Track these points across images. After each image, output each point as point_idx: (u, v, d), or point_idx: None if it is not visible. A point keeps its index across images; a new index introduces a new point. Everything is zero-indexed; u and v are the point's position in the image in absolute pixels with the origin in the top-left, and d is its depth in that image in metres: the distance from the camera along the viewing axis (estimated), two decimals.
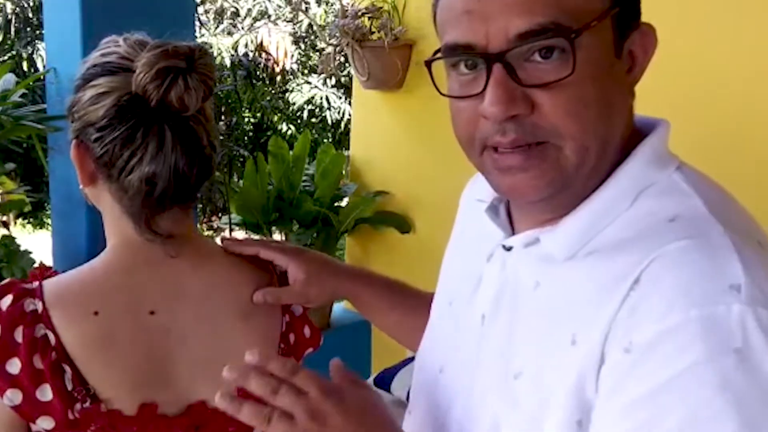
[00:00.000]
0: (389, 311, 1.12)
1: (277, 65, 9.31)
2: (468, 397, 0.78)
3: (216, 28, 9.40)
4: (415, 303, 1.07)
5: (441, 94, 0.73)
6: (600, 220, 0.70)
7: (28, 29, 9.08)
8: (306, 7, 8.35)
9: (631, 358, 0.62)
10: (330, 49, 2.71)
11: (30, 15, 9.14)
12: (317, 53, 9.28)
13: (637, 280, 0.64)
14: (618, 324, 0.63)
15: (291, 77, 9.63)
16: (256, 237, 2.27)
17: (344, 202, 2.76)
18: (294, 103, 9.20)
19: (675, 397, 0.59)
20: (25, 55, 8.79)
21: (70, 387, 0.87)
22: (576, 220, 0.71)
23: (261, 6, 9.53)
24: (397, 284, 1.15)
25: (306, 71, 9.68)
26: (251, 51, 9.12)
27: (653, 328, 0.61)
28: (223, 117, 8.15)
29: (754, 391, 0.57)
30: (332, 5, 8.08)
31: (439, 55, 0.71)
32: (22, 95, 1.94)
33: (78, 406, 0.87)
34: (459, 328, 0.83)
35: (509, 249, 0.78)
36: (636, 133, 0.73)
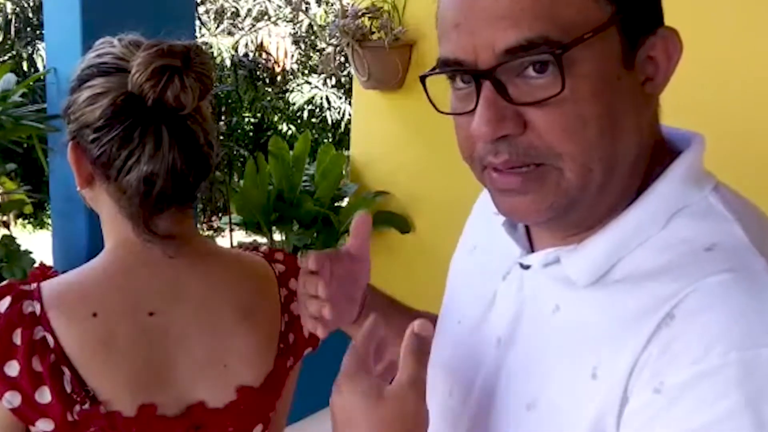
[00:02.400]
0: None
1: (278, 65, 9.31)
2: (483, 424, 0.73)
3: (216, 28, 9.40)
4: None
5: (438, 111, 0.70)
6: (627, 242, 0.66)
7: (29, 29, 9.08)
8: (306, 7, 8.35)
9: (661, 400, 0.58)
10: (330, 49, 2.72)
11: (30, 15, 9.14)
12: (317, 53, 9.29)
13: (671, 315, 0.59)
14: (647, 361, 0.59)
15: (291, 77, 9.63)
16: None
17: (344, 202, 2.76)
18: (294, 103, 9.20)
19: None
20: (25, 55, 8.79)
21: (69, 389, 0.87)
22: (601, 242, 0.67)
23: (261, 6, 9.53)
24: (401, 309, 1.04)
25: (306, 71, 9.68)
26: (251, 51, 9.12)
27: (688, 370, 0.56)
28: (223, 117, 8.15)
29: None
30: (332, 5, 8.08)
31: (436, 69, 0.68)
32: (23, 95, 1.94)
33: (77, 408, 0.87)
34: (470, 350, 0.78)
35: (527, 267, 0.73)
36: (663, 147, 0.68)
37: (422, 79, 0.70)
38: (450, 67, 0.66)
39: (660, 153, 0.68)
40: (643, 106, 0.66)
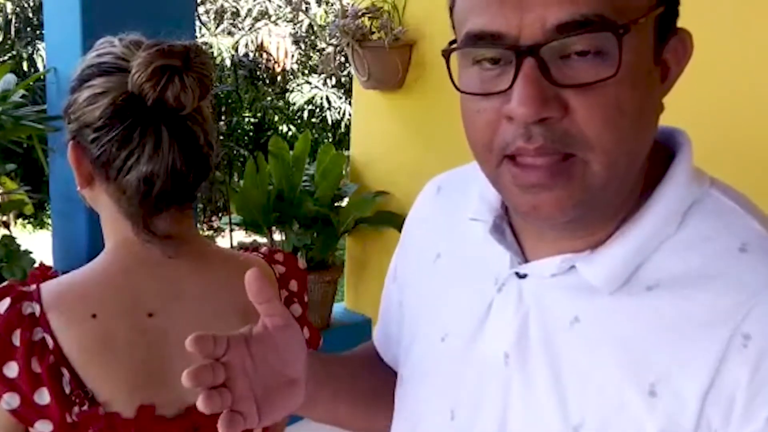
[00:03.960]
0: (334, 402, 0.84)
1: (278, 65, 9.31)
2: None
3: (216, 28, 9.40)
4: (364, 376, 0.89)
5: (459, 90, 0.63)
6: (646, 245, 0.64)
7: (29, 29, 9.09)
8: (306, 7, 8.35)
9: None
10: (330, 49, 2.72)
11: (30, 15, 9.14)
12: (317, 53, 9.29)
13: (746, 335, 0.58)
14: (734, 385, 0.58)
15: (291, 77, 9.64)
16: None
17: (344, 202, 2.76)
18: (294, 103, 9.20)
19: None
20: (25, 55, 8.79)
21: (68, 390, 0.87)
22: (618, 246, 0.64)
23: (261, 6, 9.53)
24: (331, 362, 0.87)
25: (306, 71, 9.68)
26: (251, 51, 9.13)
27: None
28: (223, 117, 8.15)
29: None
30: (332, 5, 8.08)
31: (458, 45, 0.62)
32: (23, 95, 1.94)
33: (76, 409, 0.87)
34: (469, 368, 0.73)
35: (523, 277, 0.70)
36: (658, 146, 0.67)
37: (446, 54, 0.63)
38: (485, 41, 0.59)
39: (656, 152, 0.66)
40: (659, 103, 0.65)
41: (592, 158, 0.59)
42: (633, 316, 0.63)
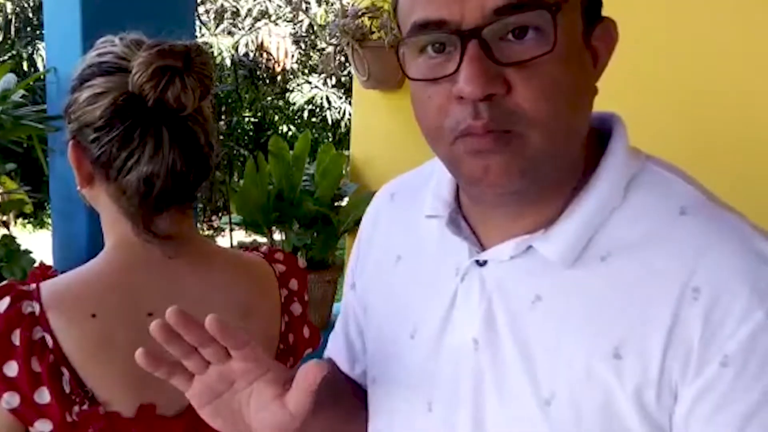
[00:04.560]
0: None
1: (278, 65, 9.31)
2: (493, 430, 0.71)
3: (216, 27, 9.40)
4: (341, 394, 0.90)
5: (409, 78, 0.68)
6: (594, 218, 0.68)
7: (28, 29, 9.08)
8: (306, 7, 8.35)
9: (732, 371, 0.60)
10: (330, 48, 2.71)
11: (30, 15, 9.14)
12: (317, 53, 9.28)
13: (695, 288, 0.62)
14: (689, 337, 0.62)
15: (291, 77, 9.63)
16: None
17: (344, 202, 2.76)
18: (294, 103, 9.20)
19: None
20: (25, 55, 8.79)
21: (68, 390, 0.87)
22: (570, 222, 0.68)
23: (261, 6, 9.52)
24: (335, 395, 0.88)
25: (306, 71, 9.68)
26: (251, 51, 9.12)
27: (741, 332, 0.60)
28: (223, 117, 8.15)
29: None
30: (332, 5, 8.08)
31: (405, 36, 0.67)
32: (22, 95, 1.94)
33: (76, 408, 0.87)
34: (441, 361, 0.75)
35: (483, 264, 0.72)
36: (592, 129, 0.72)
37: (396, 49, 0.68)
38: (430, 29, 0.64)
39: (593, 134, 0.71)
40: (593, 85, 0.69)
41: (531, 132, 0.64)
42: (590, 287, 0.67)
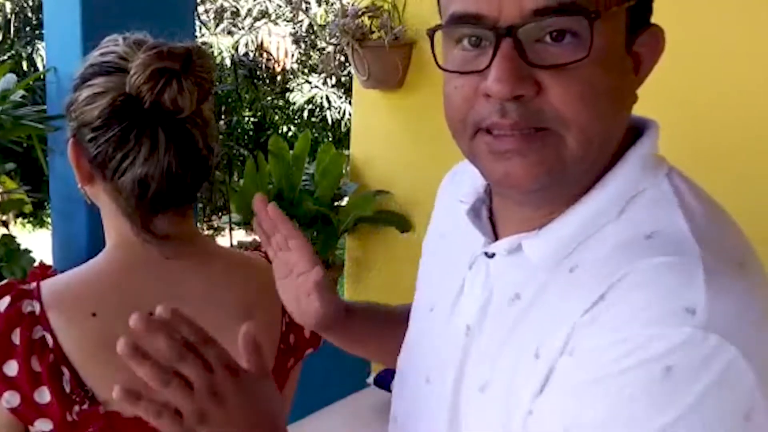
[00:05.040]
0: (375, 340, 1.04)
1: (278, 65, 9.30)
2: (453, 410, 0.74)
3: (216, 27, 9.40)
4: (395, 322, 0.98)
5: (439, 67, 0.68)
6: (585, 229, 0.67)
7: (28, 29, 9.08)
8: (306, 7, 8.35)
9: (573, 360, 0.62)
10: (330, 48, 2.71)
11: (30, 14, 9.14)
12: (317, 53, 9.28)
13: (603, 296, 0.61)
14: (575, 334, 0.62)
15: (291, 77, 9.63)
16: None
17: (344, 202, 2.76)
18: (294, 103, 9.20)
19: (600, 393, 0.59)
20: (24, 55, 8.79)
21: (68, 389, 0.87)
22: (561, 227, 0.68)
23: (261, 6, 9.52)
24: (375, 311, 1.06)
25: (306, 71, 9.68)
26: (251, 51, 9.12)
27: (605, 338, 0.59)
28: (223, 116, 8.15)
29: (670, 407, 0.56)
30: (332, 5, 8.07)
31: (442, 26, 0.67)
32: (22, 95, 1.94)
33: (76, 408, 0.87)
34: (442, 338, 0.79)
35: (492, 256, 0.74)
36: (628, 135, 0.70)
37: (431, 34, 0.67)
38: (466, 22, 0.64)
39: (625, 139, 0.69)
40: (632, 92, 0.68)
41: (567, 134, 0.63)
42: (553, 294, 0.67)
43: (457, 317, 0.77)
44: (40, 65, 8.41)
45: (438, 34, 0.67)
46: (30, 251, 2.03)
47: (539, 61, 0.62)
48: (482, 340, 0.73)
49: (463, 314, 0.76)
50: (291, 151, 2.68)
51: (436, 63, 0.68)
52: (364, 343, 1.05)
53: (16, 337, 0.86)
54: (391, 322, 1.00)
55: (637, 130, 0.71)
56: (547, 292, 0.67)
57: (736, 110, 1.84)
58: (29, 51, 8.85)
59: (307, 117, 9.22)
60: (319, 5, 8.70)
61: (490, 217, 0.78)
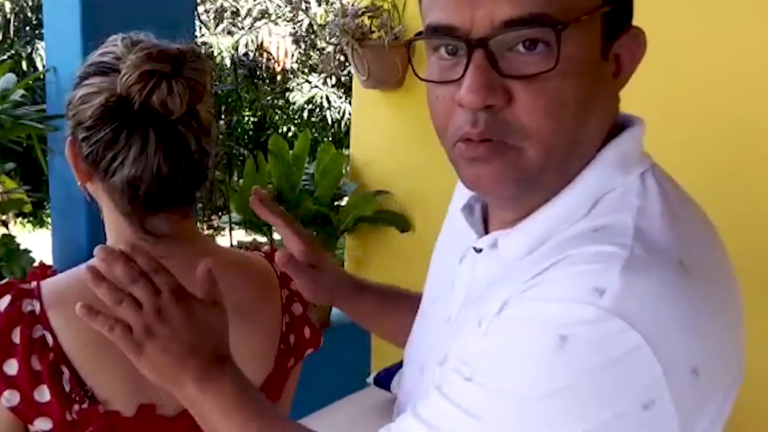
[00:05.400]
0: (388, 319, 1.08)
1: (278, 65, 9.30)
2: None
3: (216, 27, 9.39)
4: (413, 305, 1.03)
5: (419, 78, 0.71)
6: (557, 226, 0.68)
7: (28, 28, 9.08)
8: (306, 7, 8.35)
9: (480, 330, 0.66)
10: (330, 48, 2.71)
11: (29, 14, 9.14)
12: (317, 52, 9.28)
13: (538, 274, 0.64)
14: (506, 304, 0.65)
15: (291, 77, 9.63)
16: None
17: (344, 201, 2.76)
18: (294, 103, 9.20)
19: (499, 351, 0.63)
20: (24, 55, 8.79)
21: (68, 388, 0.87)
22: (531, 226, 0.70)
23: (261, 5, 9.52)
24: (393, 290, 1.11)
25: (306, 71, 9.68)
26: (251, 51, 9.12)
27: (522, 307, 0.63)
28: (223, 116, 8.15)
29: (558, 377, 0.59)
30: (332, 4, 8.07)
31: (421, 36, 0.70)
32: (22, 95, 1.94)
33: (76, 407, 0.87)
34: (435, 329, 0.82)
35: (480, 251, 0.76)
36: (611, 134, 0.71)
37: (408, 44, 0.71)
38: (441, 33, 0.66)
39: (606, 139, 0.71)
40: (611, 97, 0.70)
41: (527, 146, 0.65)
42: (507, 278, 0.69)
43: (445, 308, 0.80)
44: (39, 65, 8.41)
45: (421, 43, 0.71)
46: (30, 251, 2.03)
47: (510, 71, 0.64)
48: (457, 329, 0.76)
49: (449, 306, 0.79)
50: (291, 151, 2.67)
51: (415, 74, 0.72)
52: (378, 321, 1.10)
53: (16, 336, 0.86)
54: (408, 306, 1.01)
55: (621, 129, 0.72)
56: (503, 284, 0.70)
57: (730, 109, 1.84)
58: (29, 51, 8.85)
59: (307, 117, 9.22)
60: (319, 5, 8.69)
61: (485, 216, 0.80)
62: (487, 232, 0.78)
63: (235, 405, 0.79)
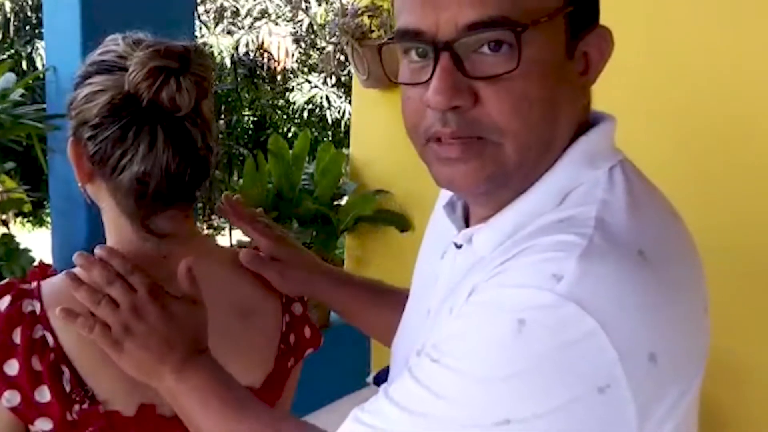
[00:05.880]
0: (365, 312, 1.10)
1: (278, 64, 9.30)
2: None
3: (216, 27, 9.40)
4: (393, 301, 1.05)
5: (390, 80, 0.75)
6: (526, 221, 0.70)
7: (27, 28, 9.08)
8: (306, 6, 8.35)
9: (451, 317, 0.69)
10: (330, 48, 2.71)
11: (29, 13, 9.14)
12: (317, 52, 9.28)
13: (505, 261, 0.66)
14: (475, 290, 0.67)
15: (291, 76, 9.63)
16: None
17: (344, 201, 2.76)
18: (294, 103, 9.20)
19: (461, 339, 0.65)
20: (24, 54, 8.79)
21: (68, 388, 0.87)
22: (501, 220, 0.72)
23: (261, 5, 9.52)
24: (374, 284, 1.13)
25: (306, 70, 9.68)
26: (251, 50, 9.12)
27: (487, 292, 0.65)
28: (223, 116, 8.15)
29: (517, 360, 0.61)
30: (332, 4, 8.07)
31: (392, 40, 0.72)
32: (22, 94, 1.94)
33: (76, 407, 0.87)
34: (418, 324, 0.84)
35: (460, 247, 0.78)
36: (579, 132, 0.73)
37: (379, 48, 0.74)
38: (409, 37, 0.69)
39: (575, 137, 0.73)
40: (579, 94, 0.72)
41: (504, 141, 0.68)
42: (479, 269, 0.71)
43: (427, 303, 0.82)
44: (39, 64, 8.41)
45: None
46: (29, 250, 2.03)
47: (475, 72, 0.66)
48: (436, 321, 0.78)
49: (430, 300, 0.82)
50: (291, 151, 2.67)
51: (388, 78, 0.74)
52: (360, 315, 1.11)
53: (17, 337, 0.86)
54: (395, 302, 1.03)
55: (591, 126, 0.74)
56: (476, 268, 0.73)
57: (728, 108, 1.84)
58: (29, 50, 8.85)
59: (307, 117, 9.22)
60: (319, 4, 8.70)
61: (467, 213, 0.82)
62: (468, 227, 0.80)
63: (212, 394, 0.82)
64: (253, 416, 0.83)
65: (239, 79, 8.40)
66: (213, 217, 8.10)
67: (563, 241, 0.64)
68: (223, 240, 5.80)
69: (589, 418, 0.61)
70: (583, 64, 0.71)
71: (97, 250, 0.86)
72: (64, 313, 0.82)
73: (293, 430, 0.84)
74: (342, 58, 2.85)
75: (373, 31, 2.51)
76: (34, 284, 0.90)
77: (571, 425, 0.60)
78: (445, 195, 0.88)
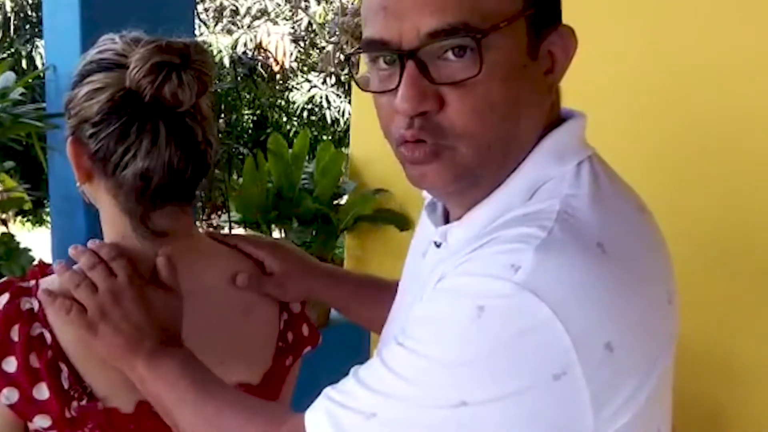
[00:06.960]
0: (364, 308, 1.12)
1: (277, 64, 9.30)
2: None
3: (215, 26, 9.39)
4: (393, 295, 1.06)
5: (361, 89, 0.77)
6: (495, 217, 0.73)
7: (27, 27, 9.08)
8: (305, 5, 8.35)
9: (420, 302, 0.72)
10: (330, 47, 2.71)
11: (29, 12, 9.14)
12: (317, 51, 9.28)
13: (471, 252, 0.69)
14: (443, 278, 0.70)
15: (291, 75, 9.63)
16: (250, 233, 2.25)
17: (344, 200, 2.76)
18: (294, 102, 9.19)
19: (423, 325, 0.68)
20: (24, 53, 8.78)
21: (66, 385, 0.87)
22: (475, 217, 0.75)
23: (260, 4, 9.52)
24: (372, 280, 1.16)
25: (305, 69, 9.67)
26: (251, 49, 9.12)
27: (451, 281, 0.68)
28: (222, 115, 8.14)
29: (475, 345, 0.63)
30: (332, 3, 8.07)
31: (359, 49, 0.74)
32: (21, 93, 1.94)
33: (75, 404, 0.87)
34: (403, 317, 0.85)
35: (439, 245, 0.81)
36: (549, 129, 0.75)
37: (348, 58, 0.76)
38: (375, 47, 0.71)
39: (546, 133, 0.75)
40: (544, 93, 0.74)
41: (459, 144, 0.70)
42: (451, 261, 0.73)
43: (410, 299, 0.84)
44: (39, 63, 8.40)
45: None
46: (29, 249, 2.03)
47: (441, 78, 0.69)
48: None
49: (413, 297, 0.83)
50: (290, 150, 2.67)
51: (358, 86, 0.77)
52: (355, 309, 1.14)
53: (15, 334, 0.86)
54: (385, 294, 1.04)
55: (561, 123, 0.76)
56: (447, 260, 0.75)
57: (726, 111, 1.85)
58: (28, 49, 8.84)
59: (307, 116, 9.22)
60: (319, 4, 8.69)
61: (447, 212, 0.84)
62: None
63: (180, 378, 0.83)
64: (219, 396, 0.83)
65: (238, 78, 8.40)
66: (212, 216, 8.10)
67: (524, 233, 0.66)
68: None
69: (544, 405, 0.63)
70: (548, 63, 0.73)
71: (90, 243, 0.90)
72: (44, 295, 0.84)
73: (260, 407, 0.85)
74: (342, 57, 2.85)
75: None
76: (33, 282, 0.90)
77: (526, 411, 0.62)
78: (428, 195, 0.90)
